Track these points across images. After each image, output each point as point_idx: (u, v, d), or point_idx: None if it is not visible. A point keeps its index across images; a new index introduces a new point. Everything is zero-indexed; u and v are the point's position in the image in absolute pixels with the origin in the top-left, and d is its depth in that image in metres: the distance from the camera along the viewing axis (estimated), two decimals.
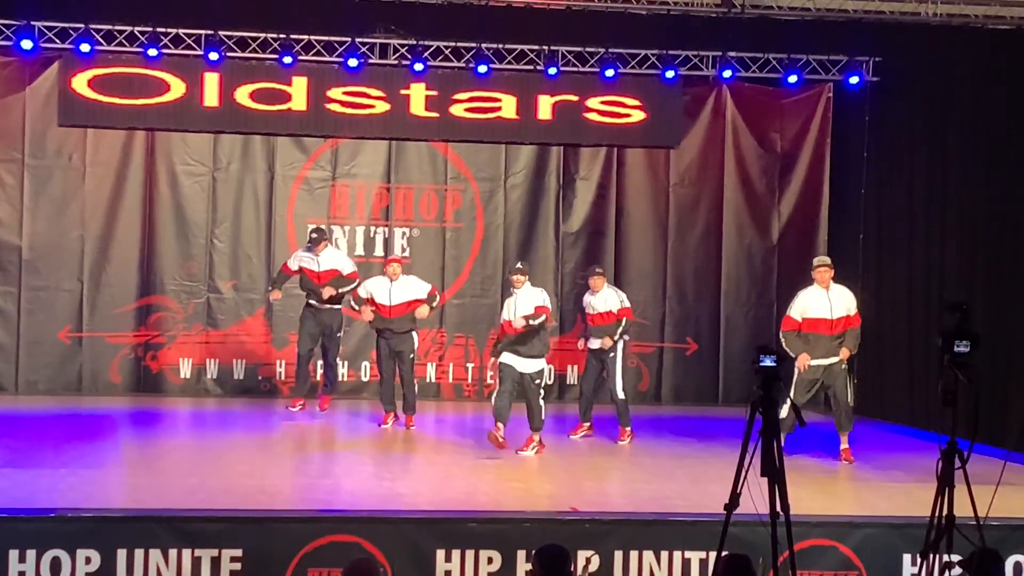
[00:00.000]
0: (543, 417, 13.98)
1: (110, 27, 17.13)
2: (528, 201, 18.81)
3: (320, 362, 16.61)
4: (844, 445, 13.97)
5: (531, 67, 18.10)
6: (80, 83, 17.56)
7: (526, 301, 13.86)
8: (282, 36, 17.40)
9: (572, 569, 8.45)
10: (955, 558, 8.23)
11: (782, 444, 8.39)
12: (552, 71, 17.95)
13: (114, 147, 17.98)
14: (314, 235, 16.01)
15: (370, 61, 17.82)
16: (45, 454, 12.90)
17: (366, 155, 18.53)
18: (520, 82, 18.32)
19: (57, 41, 17.13)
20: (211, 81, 17.78)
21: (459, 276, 18.61)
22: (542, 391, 14.06)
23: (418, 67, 17.69)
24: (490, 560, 10.02)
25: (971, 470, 8.30)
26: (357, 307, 15.63)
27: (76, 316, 17.87)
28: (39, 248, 17.77)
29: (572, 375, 18.53)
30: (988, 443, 12.45)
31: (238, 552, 9.73)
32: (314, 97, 17.99)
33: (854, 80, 18.20)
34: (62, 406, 16.56)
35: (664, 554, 10.21)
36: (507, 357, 13.91)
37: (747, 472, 8.20)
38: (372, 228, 18.53)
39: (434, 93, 18.20)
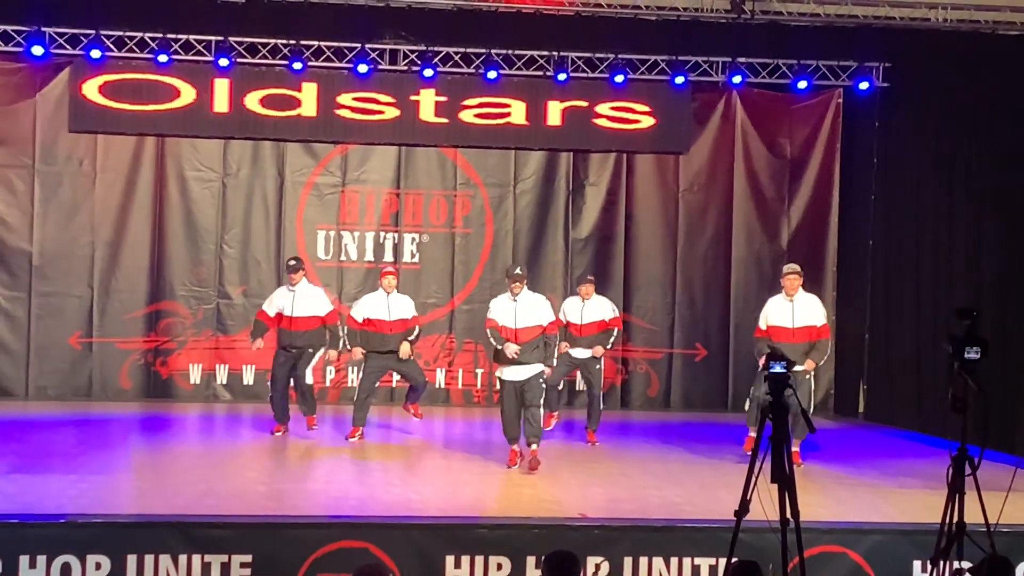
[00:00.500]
0: (540, 423, 13.24)
1: (121, 33, 17.17)
2: (537, 207, 18.82)
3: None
4: (795, 448, 13.76)
5: (540, 73, 18.12)
6: (91, 89, 17.60)
7: (529, 310, 13.26)
8: (292, 42, 17.43)
9: (581, 575, 8.44)
10: (965, 565, 8.21)
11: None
12: (561, 77, 17.97)
13: (124, 153, 18.01)
14: (291, 263, 15.14)
15: (380, 67, 17.85)
16: (55, 460, 12.92)
17: (376, 161, 18.55)
18: (529, 88, 18.33)
19: (68, 47, 17.17)
20: (221, 87, 17.81)
21: (468, 282, 18.61)
22: (541, 399, 13.22)
23: (428, 73, 17.70)
24: (499, 566, 10.00)
25: (981, 477, 8.28)
26: (350, 346, 14.91)
27: (86, 321, 17.90)
28: (49, 254, 17.81)
29: (580, 382, 18.52)
30: (998, 449, 12.43)
31: (248, 558, 9.72)
32: (324, 103, 18.00)
33: (864, 86, 18.19)
34: (72, 411, 16.58)
35: (674, 560, 10.18)
36: (505, 372, 13.27)
37: (757, 478, 8.19)
38: (382, 234, 18.54)
39: (444, 99, 18.22)
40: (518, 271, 13.51)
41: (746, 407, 14.17)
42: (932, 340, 17.11)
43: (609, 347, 15.18)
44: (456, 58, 17.87)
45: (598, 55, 18.01)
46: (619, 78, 17.95)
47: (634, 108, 18.59)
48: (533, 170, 18.84)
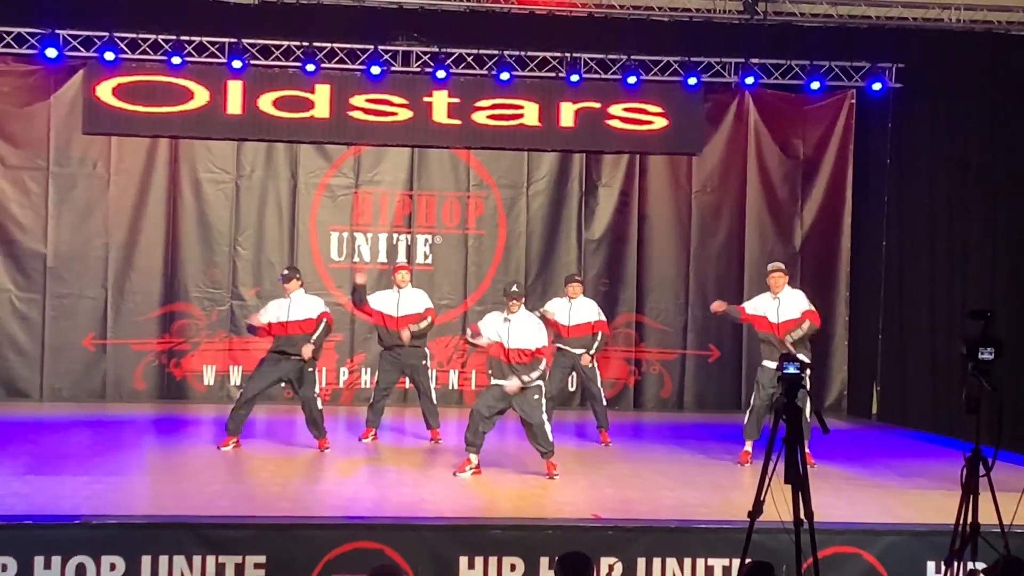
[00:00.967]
0: (551, 439, 12.86)
1: (134, 35, 17.21)
2: (550, 208, 18.82)
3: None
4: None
5: (553, 74, 18.13)
6: (104, 91, 17.64)
7: (521, 331, 12.78)
8: (305, 44, 17.46)
9: None
10: (980, 566, 8.20)
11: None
12: (574, 78, 17.97)
13: (138, 155, 18.05)
14: (284, 272, 14.68)
15: (393, 69, 17.87)
16: (69, 461, 12.94)
17: (389, 162, 18.57)
18: (542, 89, 18.34)
19: (82, 49, 17.21)
20: (234, 89, 17.84)
21: (481, 283, 18.62)
22: (543, 406, 12.85)
23: (440, 74, 17.72)
24: (513, 567, 10.00)
25: (996, 477, 8.28)
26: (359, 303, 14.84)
27: (100, 323, 17.94)
28: (63, 255, 17.85)
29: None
30: (1012, 450, 12.42)
31: (262, 559, 9.74)
32: (337, 105, 18.03)
33: (877, 87, 18.18)
34: (86, 413, 16.62)
35: (687, 561, 10.19)
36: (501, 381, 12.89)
37: (771, 479, 8.19)
38: (395, 235, 18.56)
39: (456, 100, 18.23)
40: (515, 289, 13.03)
41: (745, 419, 14.20)
42: (946, 341, 17.10)
43: (594, 352, 15.17)
44: (469, 59, 17.88)
45: (611, 56, 18.01)
46: (632, 79, 17.96)
47: (647, 109, 18.59)
48: (546, 171, 18.84)
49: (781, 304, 14.09)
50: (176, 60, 17.23)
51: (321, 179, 18.44)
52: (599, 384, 15.43)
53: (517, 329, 12.81)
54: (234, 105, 17.89)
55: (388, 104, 18.16)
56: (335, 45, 17.64)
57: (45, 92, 17.76)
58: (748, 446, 14.03)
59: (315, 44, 17.50)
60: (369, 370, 18.09)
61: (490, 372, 13.11)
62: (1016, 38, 17.34)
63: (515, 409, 12.89)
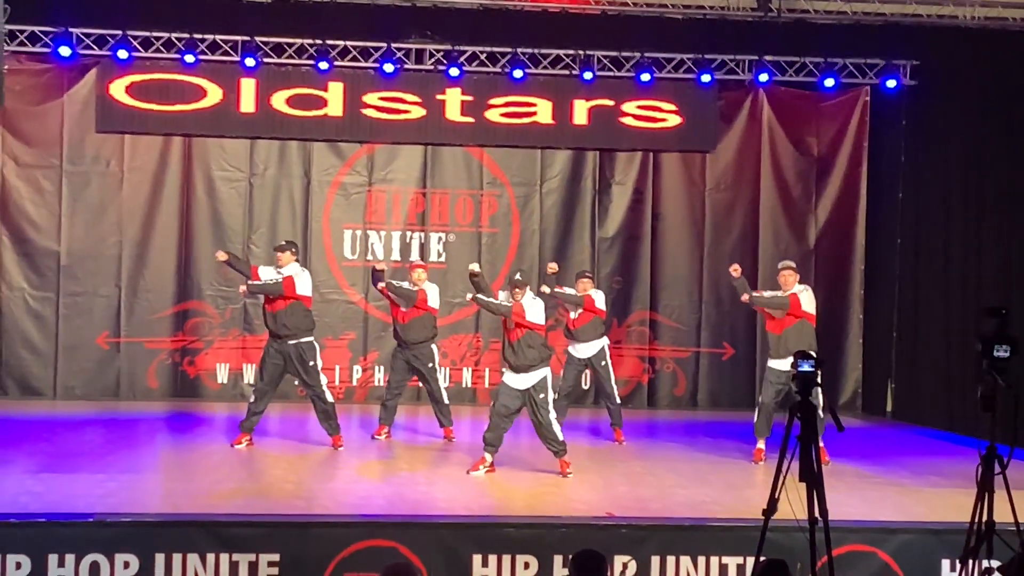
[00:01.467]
0: (561, 437, 12.92)
1: (147, 34, 17.21)
2: (564, 206, 18.81)
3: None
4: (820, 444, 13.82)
5: (566, 72, 18.11)
6: (118, 89, 17.66)
7: (531, 311, 12.93)
8: (318, 42, 17.46)
9: (608, 574, 8.43)
10: (995, 564, 8.18)
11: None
12: (588, 76, 17.95)
13: (151, 153, 18.07)
14: (282, 243, 14.75)
15: (406, 66, 17.86)
16: (83, 459, 12.97)
17: (402, 160, 18.57)
18: (555, 87, 18.32)
19: (95, 48, 17.23)
20: (247, 87, 17.85)
21: (495, 281, 18.53)
22: (550, 405, 12.98)
23: (454, 72, 17.71)
24: (527, 565, 10.00)
25: (1011, 475, 8.26)
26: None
27: (114, 321, 17.96)
28: (77, 254, 17.87)
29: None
30: None
31: (275, 556, 9.75)
32: (350, 102, 18.03)
33: (891, 84, 18.14)
34: (100, 411, 16.65)
35: (701, 559, 10.18)
36: (506, 377, 13.07)
37: (785, 477, 8.17)
38: (408, 233, 18.56)
39: (470, 98, 18.22)
40: (519, 277, 13.09)
41: (755, 417, 14.19)
42: (961, 338, 17.03)
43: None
44: (482, 57, 17.87)
45: (624, 54, 17.99)
46: (645, 77, 17.93)
47: (661, 107, 18.57)
48: (559, 169, 18.83)
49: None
50: (189, 58, 17.23)
51: (334, 177, 18.45)
52: (613, 383, 15.43)
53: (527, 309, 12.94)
54: (247, 103, 17.90)
55: (401, 102, 18.16)
56: (348, 43, 17.64)
57: (58, 90, 17.78)
58: (761, 444, 14.03)
59: (328, 42, 17.50)
60: (382, 368, 18.10)
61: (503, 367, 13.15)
62: None
63: (526, 408, 12.92)
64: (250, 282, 14.19)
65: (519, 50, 17.75)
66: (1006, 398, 8.18)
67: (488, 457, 12.95)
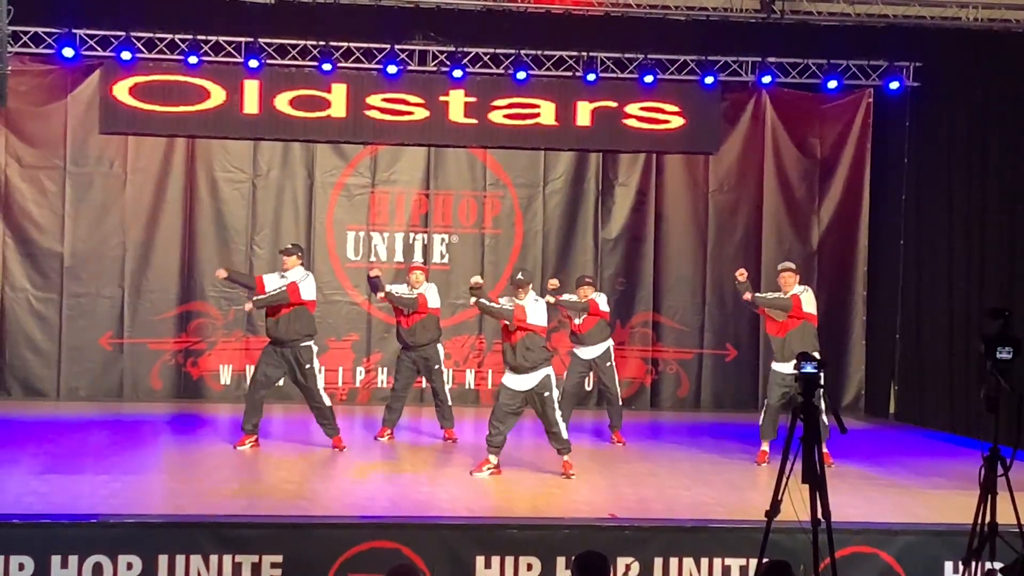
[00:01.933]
0: (566, 436, 13.01)
1: (151, 35, 17.22)
2: (567, 207, 18.82)
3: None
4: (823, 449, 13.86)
5: (570, 73, 18.11)
6: (121, 91, 17.68)
7: (534, 312, 12.97)
8: (321, 43, 17.46)
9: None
10: (998, 566, 8.18)
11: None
12: (591, 77, 17.95)
13: (155, 154, 18.08)
14: (288, 246, 14.77)
15: (409, 68, 17.86)
16: (87, 460, 12.98)
17: (405, 161, 18.57)
18: (559, 88, 18.33)
19: (98, 49, 17.23)
20: (251, 88, 17.86)
21: (498, 282, 18.57)
22: (556, 403, 13.02)
23: (457, 74, 17.71)
24: (529, 567, 10.01)
25: (1014, 477, 8.25)
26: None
27: (117, 322, 17.97)
28: (80, 255, 17.88)
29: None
30: None
31: (278, 558, 9.75)
32: (353, 104, 18.04)
33: (894, 85, 18.14)
34: (103, 412, 16.66)
35: (704, 561, 10.18)
36: (506, 378, 13.07)
37: (788, 479, 8.18)
38: (411, 234, 18.57)
39: (473, 99, 18.23)
40: (520, 277, 13.08)
41: (760, 419, 14.20)
42: (964, 340, 17.04)
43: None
44: (485, 59, 17.88)
45: (627, 55, 17.99)
46: (649, 78, 17.92)
47: (664, 108, 18.58)
48: (563, 170, 18.84)
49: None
50: (193, 59, 17.24)
51: (338, 178, 18.46)
52: (617, 384, 15.43)
53: (530, 310, 12.93)
54: (251, 104, 17.92)
55: (404, 103, 18.17)
56: (352, 44, 17.65)
57: (62, 91, 17.80)
58: (765, 446, 14.04)
59: (331, 43, 17.50)
60: (385, 369, 18.13)
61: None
62: None
63: (533, 407, 12.95)
64: (255, 298, 14.17)
65: (522, 51, 17.76)
66: (1009, 399, 8.18)
67: (492, 459, 12.96)
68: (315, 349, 14.37)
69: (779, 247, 19.00)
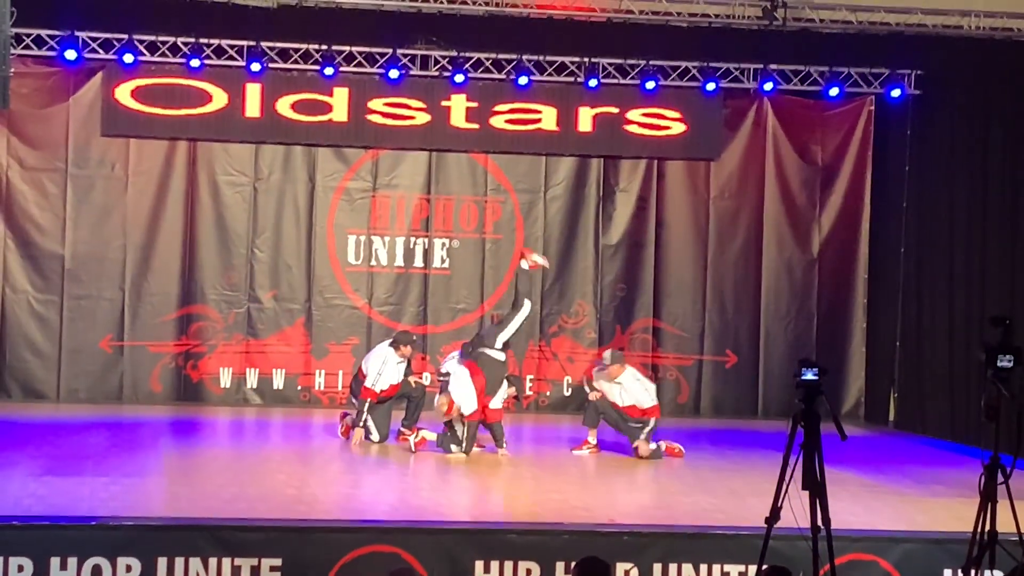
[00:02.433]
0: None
1: (153, 38, 17.22)
2: (568, 213, 18.80)
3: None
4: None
5: (571, 79, 18.11)
6: (123, 93, 17.66)
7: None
8: (323, 47, 17.46)
9: None
10: (997, 574, 8.19)
11: None
12: (592, 83, 17.95)
13: (156, 157, 18.07)
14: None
15: (411, 72, 17.85)
16: (86, 462, 12.96)
17: (406, 166, 18.57)
18: (560, 94, 18.32)
19: (101, 51, 17.23)
20: (253, 92, 17.84)
21: (498, 287, 18.60)
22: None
23: (459, 78, 17.72)
24: (528, 572, 10.01)
25: (1014, 485, 8.26)
26: None
27: (117, 325, 17.96)
28: (81, 257, 17.87)
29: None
30: None
31: (277, 561, 9.75)
32: (355, 108, 18.03)
33: (896, 93, 18.13)
34: (103, 414, 16.64)
35: (703, 567, 10.18)
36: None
37: (788, 485, 8.18)
38: (412, 239, 18.55)
39: (474, 104, 18.22)
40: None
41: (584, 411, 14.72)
42: (964, 348, 17.04)
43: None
44: (487, 64, 17.88)
45: (629, 61, 17.99)
46: (650, 84, 17.92)
47: (665, 114, 18.57)
48: (564, 176, 18.83)
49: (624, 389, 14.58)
50: (195, 63, 17.24)
51: (339, 182, 18.45)
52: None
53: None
54: (252, 108, 17.90)
55: (406, 108, 18.16)
56: (353, 48, 17.64)
57: (64, 94, 17.79)
58: (591, 436, 14.67)
59: (333, 47, 17.49)
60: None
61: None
62: None
63: None
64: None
65: (524, 57, 17.76)
66: (1009, 408, 8.19)
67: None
68: None
69: (780, 254, 19.01)
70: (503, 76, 17.93)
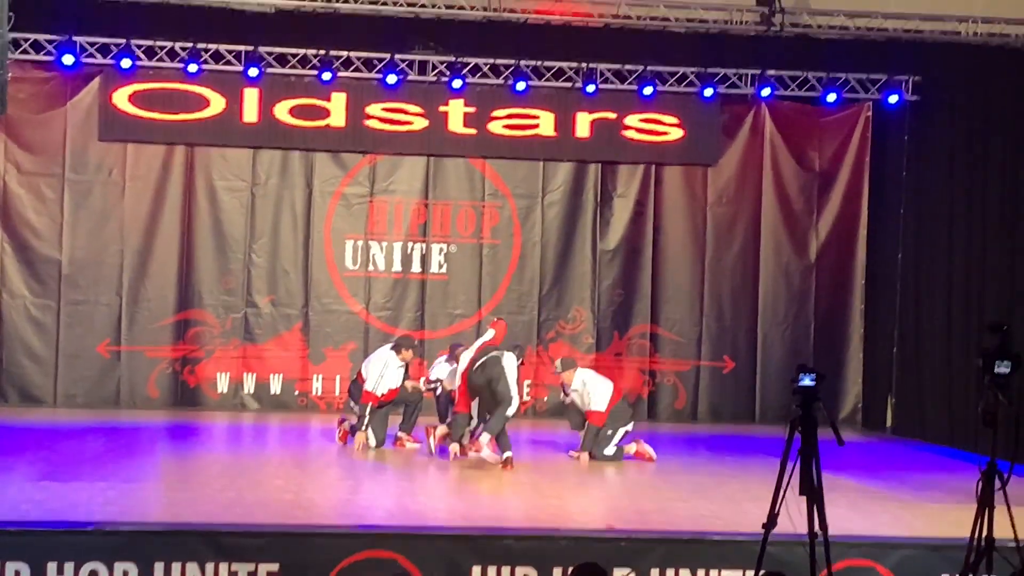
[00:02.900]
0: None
1: (151, 43, 17.22)
2: (565, 218, 18.82)
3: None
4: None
5: (569, 84, 18.13)
6: (121, 98, 17.67)
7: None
8: (321, 52, 17.48)
9: None
10: None
11: None
12: (590, 88, 17.96)
13: (154, 162, 18.08)
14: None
15: (409, 77, 17.87)
16: (84, 467, 12.95)
17: (404, 171, 18.57)
18: (558, 99, 18.34)
19: (98, 56, 17.23)
20: (250, 97, 17.86)
21: (496, 293, 18.61)
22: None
23: (456, 84, 17.73)
24: None
25: (1011, 491, 8.26)
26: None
27: (115, 330, 17.95)
28: (78, 262, 17.87)
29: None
30: None
31: (275, 567, 9.73)
32: (353, 113, 18.04)
33: (893, 99, 18.16)
34: (100, 420, 16.63)
35: (701, 572, 10.16)
36: None
37: (785, 491, 8.18)
38: (409, 244, 18.55)
39: (472, 110, 18.23)
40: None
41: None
42: (962, 354, 17.04)
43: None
44: (485, 69, 17.88)
45: (627, 67, 18.00)
46: (648, 90, 17.94)
47: (663, 120, 18.59)
48: (561, 181, 18.84)
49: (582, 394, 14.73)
50: (192, 68, 17.24)
51: (336, 188, 18.45)
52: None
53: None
54: (250, 113, 17.92)
55: (404, 113, 18.17)
56: (351, 53, 17.65)
57: (61, 99, 17.80)
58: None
59: (331, 52, 17.51)
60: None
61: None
62: None
63: None
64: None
65: (522, 62, 17.77)
66: (1007, 414, 8.19)
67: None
68: None
69: (777, 260, 19.02)
70: (501, 81, 17.94)
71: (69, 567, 9.49)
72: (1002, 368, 8.25)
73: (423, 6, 16.98)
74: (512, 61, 17.79)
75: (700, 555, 10.22)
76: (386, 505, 11.80)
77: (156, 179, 18.08)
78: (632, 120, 18.51)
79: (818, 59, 17.91)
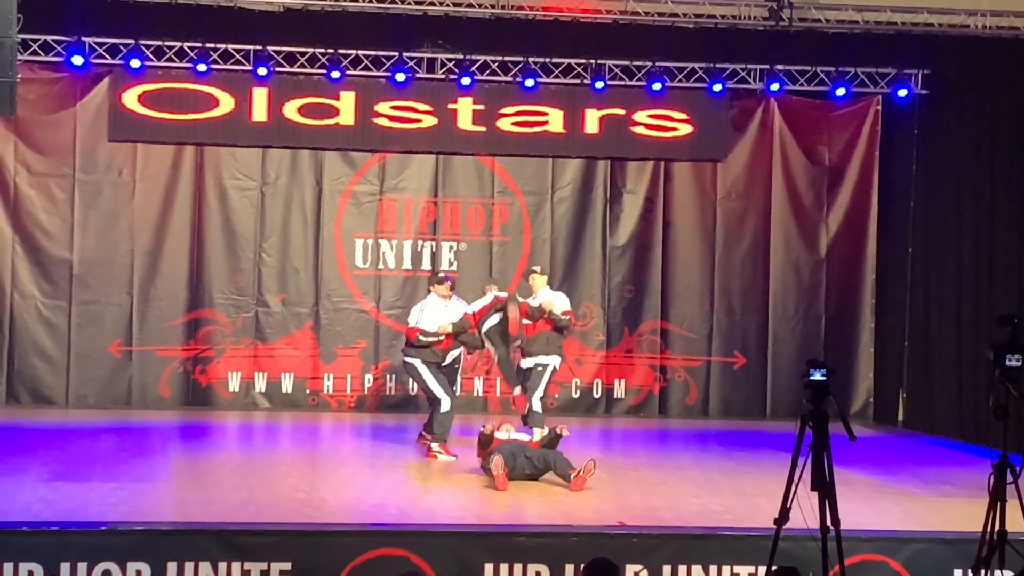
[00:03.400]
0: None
1: (160, 43, 17.24)
2: (575, 215, 18.81)
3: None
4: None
5: (578, 81, 18.12)
6: (130, 98, 17.69)
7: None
8: (330, 51, 17.48)
9: None
10: (1007, 574, 8.18)
11: None
12: (599, 85, 17.95)
13: (163, 162, 18.10)
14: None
15: (417, 75, 17.87)
16: (95, 468, 12.98)
17: (413, 169, 18.58)
18: (567, 96, 18.33)
19: (107, 57, 17.26)
20: (260, 96, 17.87)
21: (506, 289, 18.53)
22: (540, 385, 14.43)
23: (465, 81, 17.72)
24: (538, 574, 10.01)
25: (1023, 485, 8.24)
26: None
27: (126, 330, 17.98)
28: (89, 262, 17.89)
29: (619, 388, 18.57)
30: None
31: (287, 565, 9.76)
32: (362, 111, 18.05)
33: (902, 93, 18.12)
34: (112, 420, 16.66)
35: (713, 568, 10.18)
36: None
37: (797, 486, 8.18)
38: (419, 242, 18.56)
39: (481, 107, 18.23)
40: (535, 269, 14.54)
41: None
42: (973, 348, 17.01)
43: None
44: (494, 66, 17.88)
45: (636, 63, 17.99)
46: (657, 86, 17.93)
47: (672, 116, 18.57)
48: (571, 178, 18.83)
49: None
50: (201, 67, 17.25)
51: (346, 186, 18.46)
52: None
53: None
54: (259, 112, 17.92)
55: (413, 111, 18.17)
56: (360, 52, 17.66)
57: (71, 99, 17.82)
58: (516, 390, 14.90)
59: (340, 51, 17.52)
60: (394, 377, 18.14)
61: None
62: None
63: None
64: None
65: (531, 59, 17.76)
66: (1018, 407, 8.19)
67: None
68: None
69: (787, 254, 19.00)
70: (509, 78, 17.94)
71: (82, 567, 9.53)
72: (1013, 361, 8.25)
73: (431, 4, 17.02)
74: (520, 58, 17.78)
75: (712, 551, 10.24)
76: (397, 503, 11.80)
77: (166, 179, 18.10)
78: (641, 116, 18.49)
79: (827, 53, 17.88)
